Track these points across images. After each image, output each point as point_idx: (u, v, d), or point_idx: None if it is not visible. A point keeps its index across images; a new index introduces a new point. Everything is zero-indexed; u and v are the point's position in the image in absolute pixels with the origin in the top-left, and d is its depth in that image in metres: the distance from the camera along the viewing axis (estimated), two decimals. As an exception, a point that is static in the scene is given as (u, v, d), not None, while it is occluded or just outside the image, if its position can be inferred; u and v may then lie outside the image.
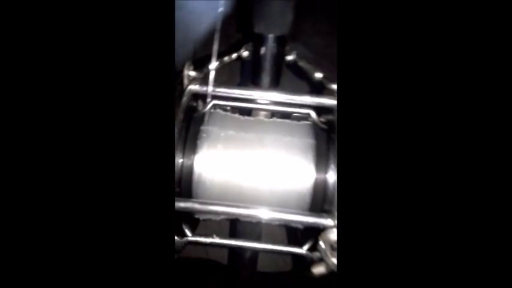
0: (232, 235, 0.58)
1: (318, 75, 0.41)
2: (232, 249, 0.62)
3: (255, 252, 0.60)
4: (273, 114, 0.48)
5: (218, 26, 0.36)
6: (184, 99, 0.36)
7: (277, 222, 0.36)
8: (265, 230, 0.53)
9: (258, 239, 0.52)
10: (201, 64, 0.39)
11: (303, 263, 0.39)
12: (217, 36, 0.36)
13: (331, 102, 0.37)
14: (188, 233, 0.41)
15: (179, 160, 0.36)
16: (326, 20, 1.28)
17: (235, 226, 0.55)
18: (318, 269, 0.32)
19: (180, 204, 0.34)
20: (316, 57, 0.45)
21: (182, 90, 0.37)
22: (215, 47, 0.37)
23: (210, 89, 0.38)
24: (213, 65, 0.39)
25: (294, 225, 0.37)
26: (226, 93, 0.38)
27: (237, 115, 0.41)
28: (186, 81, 0.37)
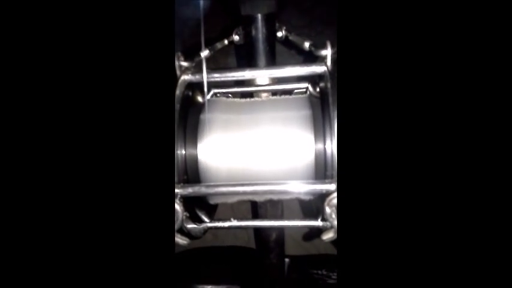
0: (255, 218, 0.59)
1: (307, 44, 0.40)
2: (258, 233, 0.63)
3: (281, 236, 0.61)
4: (275, 93, 0.48)
5: (202, 12, 0.37)
6: (178, 90, 0.37)
7: (283, 196, 0.36)
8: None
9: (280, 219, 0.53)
10: (192, 53, 0.40)
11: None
12: (202, 23, 0.36)
13: (322, 68, 0.36)
14: (205, 219, 0.42)
15: (182, 151, 0.37)
16: (299, 15, 1.28)
17: (257, 212, 0.56)
18: (327, 235, 0.32)
19: (188, 190, 0.36)
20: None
21: (175, 81, 0.38)
22: (202, 34, 0.37)
23: (204, 76, 0.38)
24: (204, 52, 0.40)
25: (301, 196, 0.37)
26: (218, 77, 0.39)
27: (233, 99, 0.42)
28: (178, 72, 0.38)
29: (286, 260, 0.70)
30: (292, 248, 0.76)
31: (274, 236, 0.60)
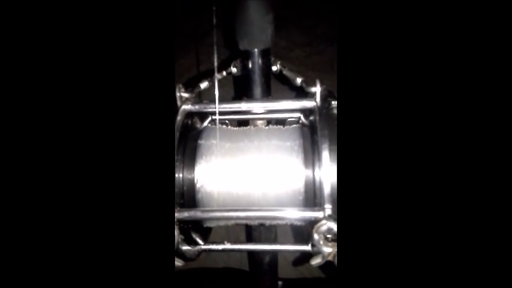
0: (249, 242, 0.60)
1: (299, 80, 0.44)
2: (251, 256, 0.64)
3: (274, 259, 0.62)
4: (270, 122, 0.51)
5: (215, 44, 0.40)
6: (179, 118, 0.40)
7: (273, 221, 0.38)
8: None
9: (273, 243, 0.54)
10: (191, 85, 0.43)
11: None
12: (215, 54, 0.39)
13: (311, 103, 0.39)
14: (200, 241, 0.44)
15: (180, 175, 0.40)
16: (300, 32, 1.32)
17: (251, 234, 0.57)
18: (316, 261, 0.34)
19: (184, 214, 0.37)
20: (299, 69, 0.47)
21: (176, 110, 0.41)
22: (215, 61, 0.40)
23: (217, 106, 0.41)
24: (217, 76, 0.43)
25: (292, 222, 0.39)
26: (217, 108, 0.41)
27: (229, 127, 0.45)
28: (179, 102, 0.41)
29: (280, 283, 0.71)
30: (286, 270, 0.76)
31: (267, 259, 0.61)
